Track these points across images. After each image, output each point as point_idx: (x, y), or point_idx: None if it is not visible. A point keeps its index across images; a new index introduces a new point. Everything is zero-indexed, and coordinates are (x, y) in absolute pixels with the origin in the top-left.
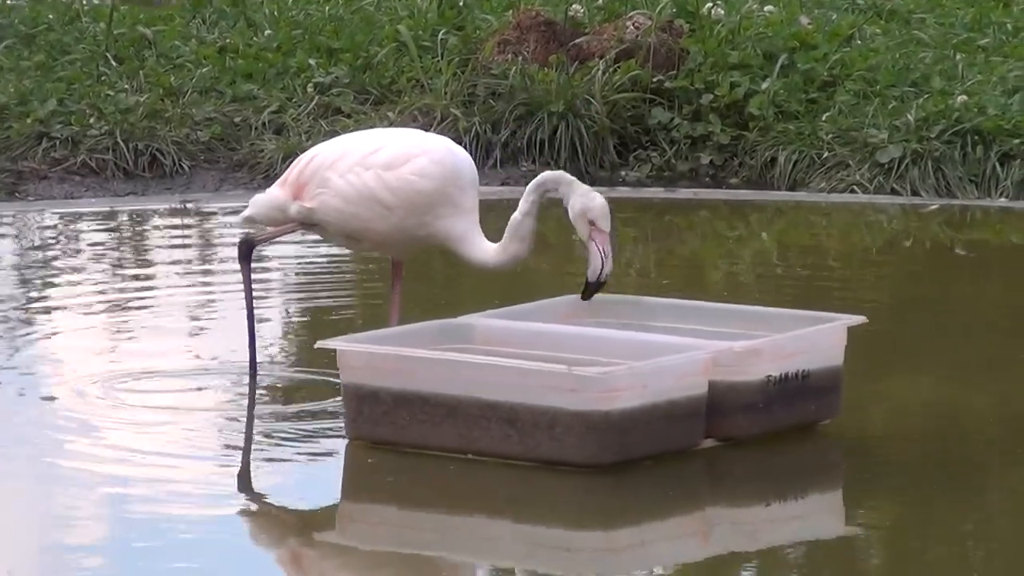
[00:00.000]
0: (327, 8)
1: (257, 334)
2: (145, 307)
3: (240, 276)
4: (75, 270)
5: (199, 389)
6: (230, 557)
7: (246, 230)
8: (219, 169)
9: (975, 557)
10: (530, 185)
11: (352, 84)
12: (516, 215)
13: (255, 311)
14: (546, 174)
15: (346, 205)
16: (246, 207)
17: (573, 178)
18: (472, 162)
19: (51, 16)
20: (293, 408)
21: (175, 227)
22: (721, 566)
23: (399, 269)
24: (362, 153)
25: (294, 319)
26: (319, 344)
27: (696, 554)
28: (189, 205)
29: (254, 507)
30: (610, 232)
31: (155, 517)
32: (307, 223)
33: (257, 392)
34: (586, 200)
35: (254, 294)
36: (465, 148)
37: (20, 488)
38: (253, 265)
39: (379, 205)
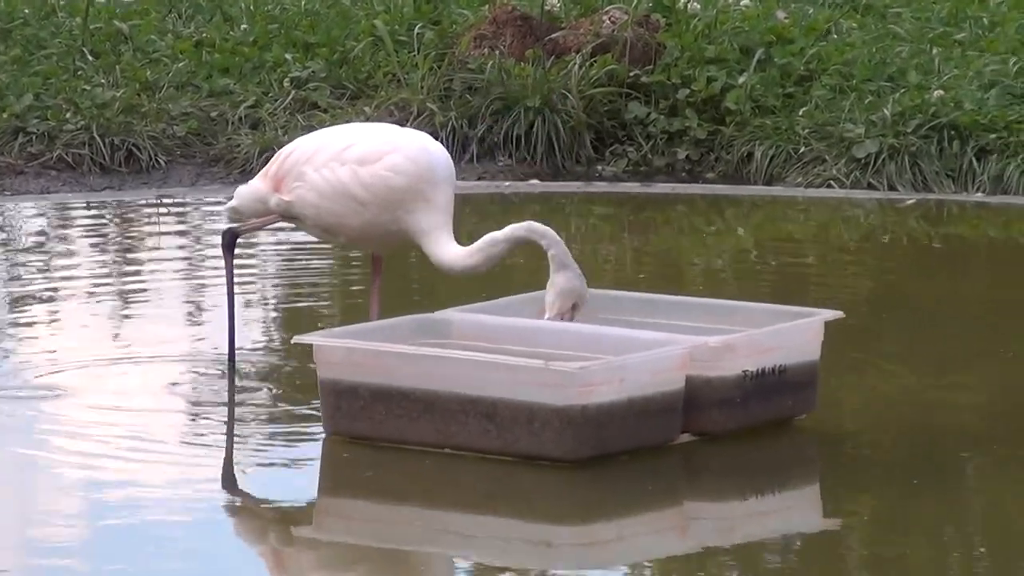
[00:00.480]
0: (303, 3)
1: (236, 325)
2: (124, 299)
3: (223, 264)
4: (52, 263)
5: (175, 382)
6: (206, 552)
7: (231, 224)
8: (195, 164)
9: (951, 549)
10: (525, 226)
11: (328, 79)
12: (497, 235)
13: (235, 302)
14: (549, 232)
15: (320, 200)
16: (229, 199)
17: (567, 251)
18: (449, 159)
19: (26, 11)
20: (270, 402)
21: (152, 221)
22: (699, 560)
23: (378, 264)
24: (337, 148)
25: (274, 311)
26: (296, 339)
27: (674, 548)
28: (166, 200)
29: (230, 501)
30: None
31: (131, 508)
32: (286, 216)
33: (235, 384)
34: (579, 285)
35: (235, 286)
36: (442, 143)
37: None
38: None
39: (353, 200)
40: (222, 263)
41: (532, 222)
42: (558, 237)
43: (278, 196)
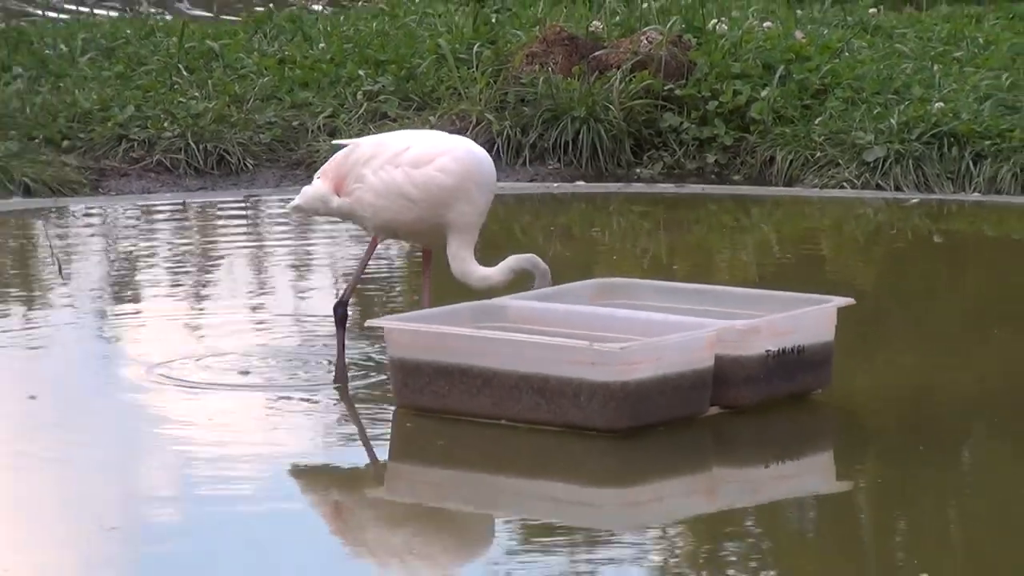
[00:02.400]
0: (374, 24)
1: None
2: (211, 289)
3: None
4: (150, 258)
5: (258, 366)
6: (292, 512)
7: (338, 300)
8: (279, 168)
9: (951, 510)
10: (526, 260)
11: (397, 92)
12: (511, 264)
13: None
14: (544, 273)
15: (377, 199)
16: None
17: (544, 269)
18: (492, 164)
19: (129, 31)
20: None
21: (240, 218)
22: (727, 519)
23: (428, 257)
24: (392, 152)
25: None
26: (369, 323)
27: (704, 508)
28: (252, 199)
29: (310, 468)
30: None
31: (223, 474)
32: (348, 216)
33: (315, 364)
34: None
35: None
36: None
37: (107, 453)
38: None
39: (405, 199)
40: (292, 256)
41: (535, 256)
42: (549, 274)
43: (339, 199)
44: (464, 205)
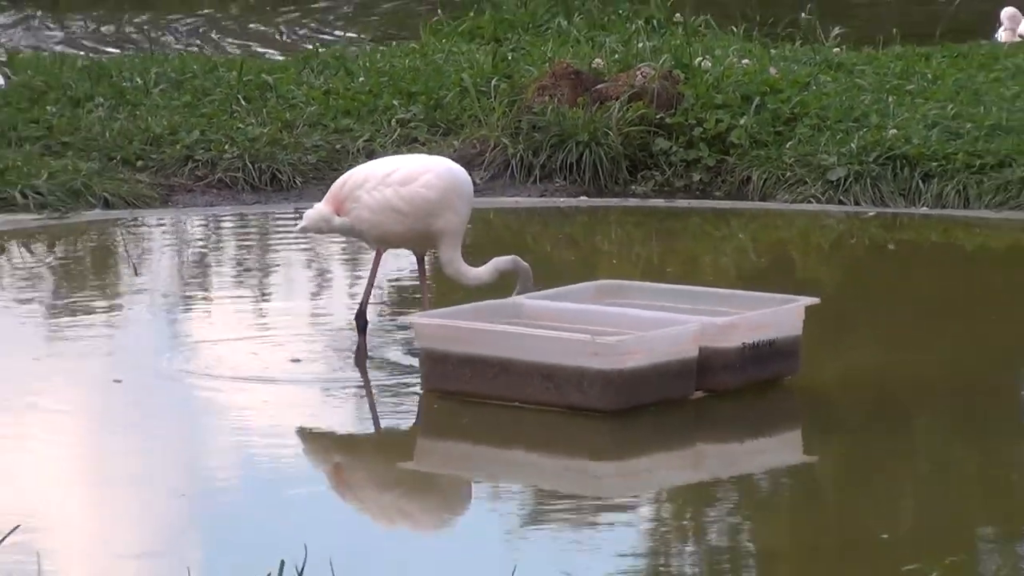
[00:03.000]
0: (407, 61)
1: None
2: (270, 290)
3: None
4: (214, 260)
5: (303, 356)
6: (332, 479)
7: (359, 309)
8: (324, 184)
9: (905, 477)
10: (509, 260)
11: (426, 119)
12: (498, 264)
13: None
14: (526, 271)
15: (372, 215)
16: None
17: (527, 271)
18: (468, 180)
19: (195, 66)
20: (381, 366)
21: (291, 228)
22: (708, 487)
23: (422, 262)
24: (382, 174)
25: (376, 304)
26: (401, 320)
27: (689, 478)
28: (300, 211)
29: (349, 441)
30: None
31: (274, 446)
32: (348, 232)
33: (354, 357)
34: (524, 268)
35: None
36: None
37: (177, 430)
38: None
39: (396, 212)
40: (330, 258)
41: (517, 258)
42: (530, 278)
43: (340, 218)
44: (449, 214)
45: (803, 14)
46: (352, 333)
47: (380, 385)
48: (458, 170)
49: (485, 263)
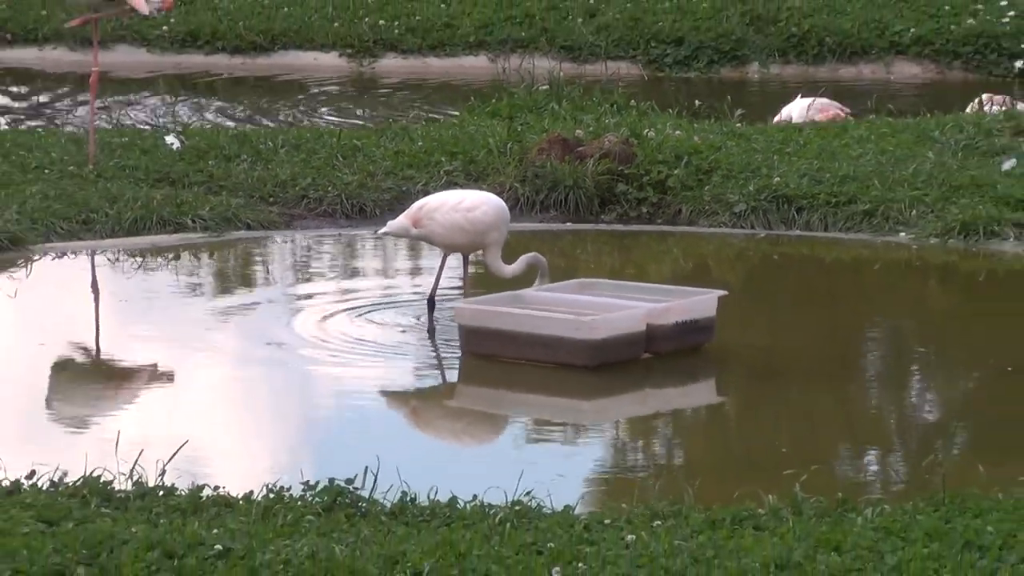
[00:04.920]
0: (450, 131)
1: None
2: (360, 283)
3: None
4: (322, 263)
5: (387, 326)
6: (398, 413)
7: (432, 292)
8: (394, 215)
9: (786, 415)
10: (532, 256)
11: (463, 170)
12: (525, 259)
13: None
14: (539, 258)
15: (443, 230)
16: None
17: (545, 265)
18: (507, 210)
19: (308, 135)
20: (433, 337)
21: (376, 247)
22: (652, 418)
23: (466, 262)
24: (454, 203)
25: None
26: (451, 305)
27: (640, 411)
28: (379, 232)
29: (414, 388)
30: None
31: (359, 388)
32: (419, 239)
33: (417, 333)
34: (543, 281)
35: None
36: (520, 204)
37: (292, 379)
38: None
39: (461, 230)
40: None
41: (538, 254)
42: (546, 266)
43: (416, 230)
44: (495, 233)
45: (723, 103)
46: (421, 310)
47: (437, 348)
48: (503, 204)
49: (515, 261)
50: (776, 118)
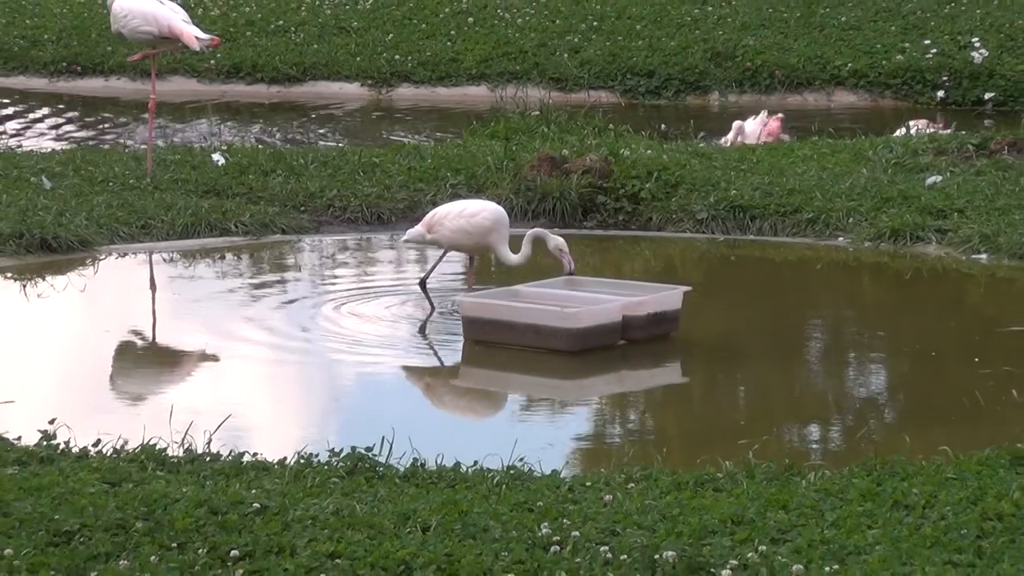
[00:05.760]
0: (455, 150)
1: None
2: (380, 277)
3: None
4: (347, 259)
5: (402, 312)
6: (410, 388)
7: (425, 276)
8: (407, 222)
9: (743, 391)
10: (529, 234)
11: (466, 184)
12: (529, 241)
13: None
14: (538, 230)
15: (451, 234)
16: (403, 235)
17: (548, 232)
18: (506, 215)
19: (334, 153)
20: (441, 324)
21: (392, 249)
22: (628, 394)
23: (472, 261)
24: (458, 210)
25: (435, 287)
26: (454, 299)
27: (615, 389)
28: (395, 237)
29: (425, 367)
30: (568, 253)
31: (376, 374)
32: (433, 243)
33: (426, 322)
34: (556, 241)
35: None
36: (515, 212)
37: (310, 363)
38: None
39: (465, 233)
40: (413, 260)
41: (541, 229)
42: (544, 231)
43: (430, 235)
44: (495, 234)
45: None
46: (430, 302)
47: (443, 336)
48: (501, 209)
49: (520, 249)
50: (726, 138)
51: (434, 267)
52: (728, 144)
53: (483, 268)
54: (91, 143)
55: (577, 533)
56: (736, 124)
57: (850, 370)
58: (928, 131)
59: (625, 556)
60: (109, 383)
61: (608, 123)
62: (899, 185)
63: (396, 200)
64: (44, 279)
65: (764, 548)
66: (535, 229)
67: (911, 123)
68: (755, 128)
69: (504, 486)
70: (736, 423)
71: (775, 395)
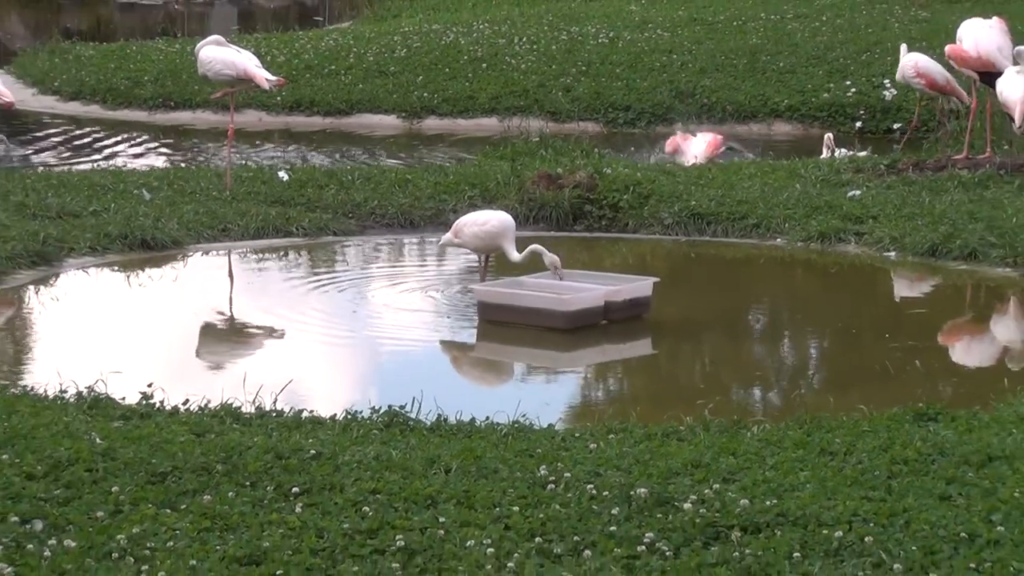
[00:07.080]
0: (472, 169)
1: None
2: (408, 273)
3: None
4: (381, 256)
5: (430, 299)
6: (433, 359)
7: (481, 277)
8: (436, 227)
9: (704, 362)
10: (529, 248)
11: (481, 196)
12: (531, 249)
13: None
14: (536, 247)
15: (471, 240)
16: (439, 240)
17: (544, 249)
18: (513, 222)
19: (375, 171)
20: (462, 308)
21: (421, 247)
22: (608, 364)
23: (487, 260)
24: (473, 219)
25: (457, 278)
26: (470, 287)
27: (599, 359)
28: (423, 238)
29: (446, 342)
30: (560, 269)
31: (408, 347)
32: (460, 246)
33: (451, 307)
34: (551, 259)
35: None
36: (520, 219)
37: (355, 338)
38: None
39: (479, 238)
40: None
41: (539, 245)
42: (542, 248)
43: (456, 240)
44: (503, 239)
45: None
46: (451, 290)
47: (462, 317)
48: (509, 217)
49: (522, 253)
50: (679, 153)
51: (483, 272)
52: (670, 153)
53: (495, 265)
54: (182, 163)
55: (568, 474)
56: (671, 141)
57: (786, 344)
58: (833, 148)
59: (607, 492)
60: (195, 355)
61: (593, 147)
62: (826, 197)
63: (425, 208)
64: (144, 271)
65: (718, 486)
66: (534, 245)
67: (826, 137)
68: (700, 143)
69: (510, 437)
70: (695, 386)
71: (727, 364)
